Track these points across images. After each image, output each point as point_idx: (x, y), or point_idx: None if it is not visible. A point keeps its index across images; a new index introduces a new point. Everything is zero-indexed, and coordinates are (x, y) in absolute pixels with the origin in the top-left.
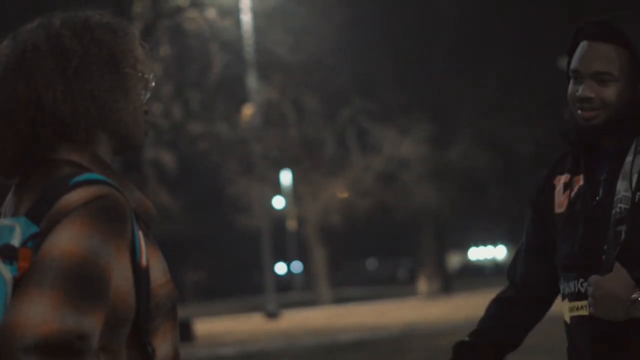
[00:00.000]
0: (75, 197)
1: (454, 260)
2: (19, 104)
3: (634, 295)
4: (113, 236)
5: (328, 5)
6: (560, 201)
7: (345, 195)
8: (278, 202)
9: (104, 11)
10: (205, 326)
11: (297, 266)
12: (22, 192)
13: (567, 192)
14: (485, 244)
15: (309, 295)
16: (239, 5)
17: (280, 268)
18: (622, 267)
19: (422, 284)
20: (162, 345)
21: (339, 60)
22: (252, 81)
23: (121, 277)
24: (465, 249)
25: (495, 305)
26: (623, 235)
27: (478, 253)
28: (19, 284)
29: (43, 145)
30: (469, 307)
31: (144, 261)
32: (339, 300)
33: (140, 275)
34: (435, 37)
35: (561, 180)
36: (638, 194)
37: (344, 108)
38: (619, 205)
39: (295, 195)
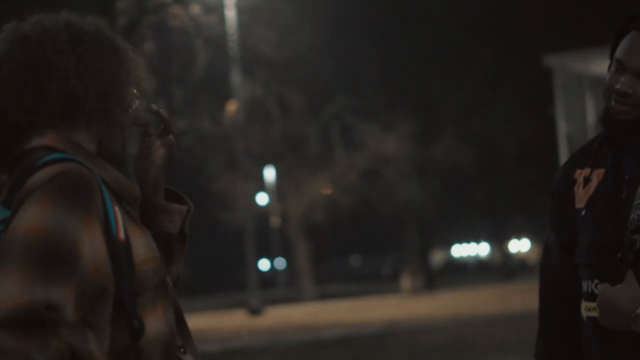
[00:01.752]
0: (40, 175)
1: (437, 257)
2: (29, 72)
3: (638, 311)
4: (78, 209)
5: (312, 2)
6: (580, 196)
7: (329, 191)
8: (262, 199)
9: (90, 13)
10: (188, 322)
11: (280, 263)
12: (4, 185)
13: (588, 187)
14: (468, 241)
15: (292, 292)
16: (223, 2)
17: (264, 264)
18: (634, 278)
19: (406, 281)
20: (154, 322)
21: (323, 57)
22: (236, 77)
23: (92, 249)
24: (448, 246)
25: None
26: (638, 244)
27: (461, 250)
28: None
29: (30, 125)
30: (453, 304)
31: (121, 235)
32: (323, 296)
33: (118, 248)
34: (419, 34)
35: (582, 174)
36: None
37: (328, 104)
38: (637, 212)
39: (279, 192)
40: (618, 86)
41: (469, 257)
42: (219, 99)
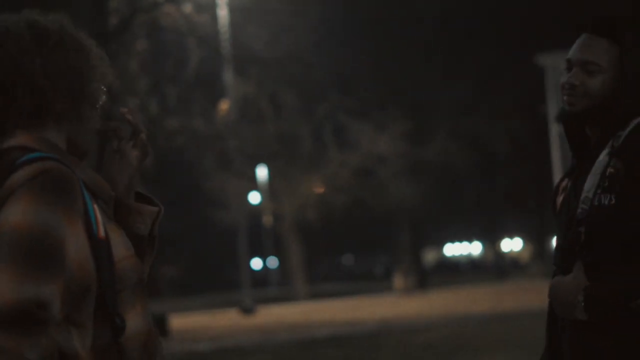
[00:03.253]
0: (20, 174)
1: (429, 256)
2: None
3: (579, 299)
4: (61, 207)
5: (305, 1)
6: (558, 203)
7: (321, 190)
8: (254, 198)
9: (83, 12)
10: (181, 321)
11: (273, 262)
12: None
13: (563, 194)
14: (460, 240)
15: (284, 291)
16: (215, 1)
17: (256, 263)
18: (580, 269)
19: (398, 280)
20: (133, 320)
21: (316, 56)
22: (228, 76)
23: (76, 246)
24: (441, 245)
25: None
26: (582, 237)
27: (454, 249)
28: None
29: (1, 127)
30: (445, 303)
31: (102, 232)
32: (315, 295)
33: (99, 246)
34: (412, 33)
35: (561, 185)
36: (597, 197)
37: (321, 103)
38: (582, 205)
39: (271, 191)
40: (565, 79)
41: (462, 256)
42: (211, 98)
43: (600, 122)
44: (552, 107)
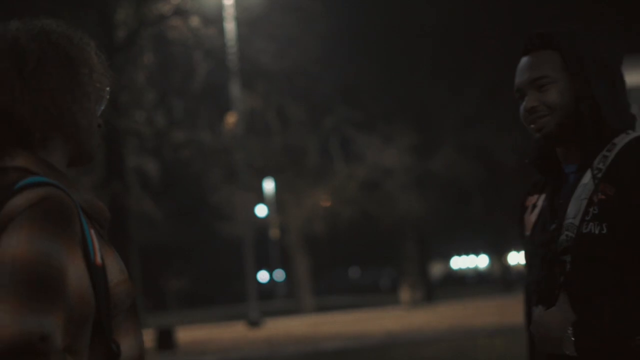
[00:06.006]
0: (20, 200)
1: (436, 269)
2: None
3: (568, 334)
4: (61, 236)
5: (312, 15)
6: (528, 224)
7: (328, 203)
8: (261, 211)
9: (90, 25)
10: (188, 334)
11: (279, 274)
12: None
13: (533, 213)
14: (467, 253)
15: (291, 304)
16: (222, 14)
17: (263, 276)
18: (566, 302)
19: (405, 293)
20: (127, 344)
21: (323, 69)
22: (235, 89)
23: (76, 276)
24: (447, 258)
25: None
26: (568, 267)
27: (460, 262)
28: None
29: None
30: (452, 316)
31: (98, 259)
32: (322, 308)
33: (97, 273)
34: (418, 46)
35: (532, 201)
36: (585, 224)
37: (328, 116)
38: (566, 233)
39: (278, 204)
40: (524, 105)
41: (468, 269)
42: (218, 111)
43: (575, 139)
44: None
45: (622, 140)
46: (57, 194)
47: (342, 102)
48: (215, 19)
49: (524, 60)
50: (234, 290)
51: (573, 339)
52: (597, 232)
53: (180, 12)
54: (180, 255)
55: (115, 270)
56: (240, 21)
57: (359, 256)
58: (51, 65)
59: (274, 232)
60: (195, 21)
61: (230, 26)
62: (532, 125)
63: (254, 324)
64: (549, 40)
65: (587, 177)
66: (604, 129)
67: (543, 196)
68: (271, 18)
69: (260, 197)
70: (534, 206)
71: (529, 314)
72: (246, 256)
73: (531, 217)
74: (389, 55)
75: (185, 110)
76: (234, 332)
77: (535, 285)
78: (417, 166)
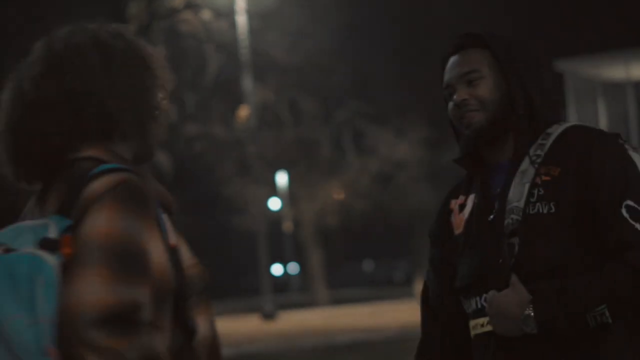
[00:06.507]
0: (99, 184)
1: None
2: (66, 97)
3: (527, 312)
4: (142, 216)
5: (324, 7)
6: (457, 223)
7: (341, 196)
8: (274, 204)
9: (101, 18)
10: None
11: (293, 267)
12: (46, 195)
13: (462, 213)
14: None
15: (305, 297)
16: (234, 7)
17: (277, 269)
18: (518, 282)
19: (419, 286)
20: (202, 324)
21: (335, 62)
22: (247, 83)
23: (157, 254)
24: None
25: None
26: (517, 248)
27: None
28: (67, 269)
29: (69, 144)
30: None
31: (172, 241)
32: (336, 301)
33: (172, 253)
34: (431, 39)
35: (456, 203)
36: (531, 205)
37: (340, 109)
38: (511, 216)
39: (291, 197)
40: (454, 99)
41: None
42: (230, 104)
43: (504, 136)
44: (572, 113)
45: (556, 130)
46: (133, 177)
47: (355, 95)
48: (226, 12)
49: (453, 58)
50: (247, 283)
51: (532, 315)
52: (545, 211)
53: (192, 6)
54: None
55: (186, 253)
56: (251, 14)
57: (372, 249)
58: (133, 63)
59: (287, 225)
60: (206, 14)
61: (241, 19)
62: (463, 120)
63: (268, 316)
64: (477, 40)
65: (525, 164)
66: (537, 121)
67: (472, 196)
68: (283, 11)
69: (273, 190)
70: (462, 206)
71: (430, 313)
72: (260, 249)
73: (461, 216)
74: (401, 47)
75: (197, 104)
76: (248, 325)
77: (477, 274)
78: (430, 159)
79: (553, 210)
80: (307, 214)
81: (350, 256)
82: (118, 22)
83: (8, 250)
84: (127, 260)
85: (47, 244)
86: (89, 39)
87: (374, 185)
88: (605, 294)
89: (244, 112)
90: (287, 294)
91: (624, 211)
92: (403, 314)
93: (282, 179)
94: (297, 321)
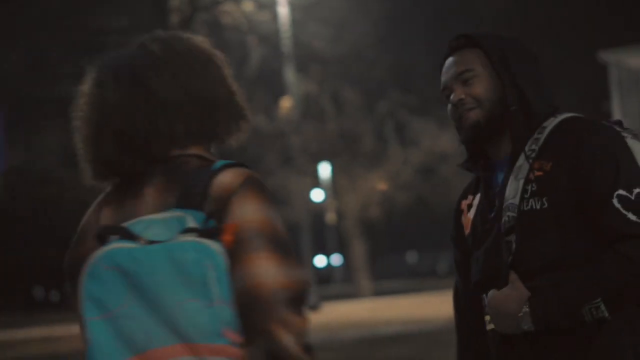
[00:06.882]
0: (229, 178)
1: None
2: (192, 100)
3: (524, 309)
4: (275, 206)
5: None
6: (466, 224)
7: (384, 188)
8: (317, 195)
9: (144, 11)
10: None
11: (336, 259)
12: (144, 189)
13: (470, 212)
14: None
15: (348, 288)
16: None
17: (320, 261)
18: (517, 279)
19: None
20: None
21: (378, 53)
22: (290, 74)
23: None
24: None
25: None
26: (514, 245)
27: None
28: (234, 255)
29: (183, 142)
30: None
31: None
32: (379, 293)
33: None
34: (473, 29)
35: (465, 203)
36: (525, 202)
37: (383, 101)
38: (507, 213)
39: (334, 188)
40: (451, 99)
41: None
42: (273, 96)
43: (502, 133)
44: (616, 104)
45: (551, 123)
46: (254, 172)
47: (397, 86)
48: (268, 4)
49: (449, 60)
50: None
51: (529, 311)
52: (538, 207)
53: None
54: None
55: None
56: (294, 5)
57: (416, 241)
58: (219, 65)
59: (330, 217)
60: (248, 6)
61: (284, 11)
62: (461, 120)
63: (312, 308)
64: (470, 40)
65: (521, 160)
66: (533, 116)
67: (478, 195)
68: (325, 2)
69: (316, 182)
70: (470, 206)
71: (460, 312)
72: (303, 241)
73: (469, 216)
74: (444, 38)
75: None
76: None
77: (481, 273)
78: None
79: (546, 205)
80: (350, 206)
81: (393, 248)
82: (160, 14)
83: (151, 242)
84: (285, 246)
85: (209, 232)
86: (183, 44)
87: (416, 176)
88: (599, 286)
89: (286, 103)
90: (331, 285)
91: (615, 201)
92: (446, 305)
93: (325, 170)
94: (340, 313)
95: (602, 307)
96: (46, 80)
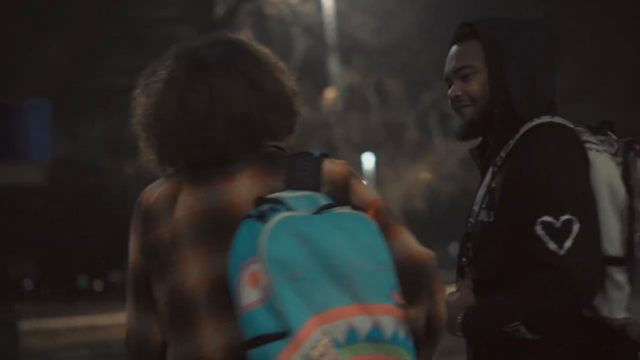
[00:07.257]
0: (337, 166)
1: None
2: (286, 96)
3: (459, 317)
4: None
5: None
6: None
7: (428, 179)
8: None
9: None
10: None
11: None
12: (236, 173)
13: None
14: None
15: None
16: None
17: None
18: (468, 287)
19: None
20: None
21: (422, 44)
22: (333, 65)
23: None
24: None
25: None
26: (470, 252)
27: None
28: (380, 227)
29: (276, 134)
30: None
31: None
32: None
33: None
34: (519, 15)
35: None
36: (482, 211)
37: (426, 92)
38: (470, 219)
39: (378, 179)
40: (449, 94)
41: None
42: (317, 87)
43: (493, 129)
44: None
45: (525, 127)
46: None
47: (441, 77)
48: None
49: (453, 49)
50: None
51: (460, 320)
52: (486, 220)
53: None
54: None
55: None
56: None
57: (459, 232)
58: (279, 67)
59: None
60: None
61: (328, 2)
62: (458, 114)
63: None
64: (473, 30)
65: (491, 167)
66: (513, 118)
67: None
68: None
69: (360, 173)
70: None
71: None
72: None
73: None
74: None
75: None
76: None
77: (456, 273)
78: None
79: (492, 219)
80: (393, 196)
81: (436, 239)
82: (205, 6)
83: (317, 212)
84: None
85: (357, 208)
86: (250, 48)
87: (460, 167)
88: (516, 311)
89: (330, 94)
90: None
91: (538, 228)
92: None
93: (368, 161)
94: None
95: (522, 330)
96: (91, 71)
